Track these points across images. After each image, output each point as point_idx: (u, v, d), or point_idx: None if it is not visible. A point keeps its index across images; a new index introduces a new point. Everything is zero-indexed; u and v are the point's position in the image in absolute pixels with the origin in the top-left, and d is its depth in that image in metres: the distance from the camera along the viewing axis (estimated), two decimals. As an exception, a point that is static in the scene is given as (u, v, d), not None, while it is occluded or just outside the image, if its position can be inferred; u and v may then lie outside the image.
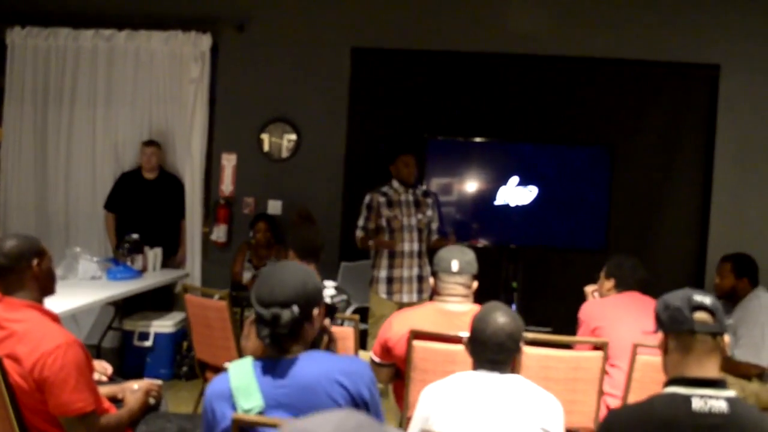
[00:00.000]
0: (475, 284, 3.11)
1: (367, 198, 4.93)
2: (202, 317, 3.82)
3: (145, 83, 5.81)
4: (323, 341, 2.14)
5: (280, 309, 1.91)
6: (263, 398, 1.88)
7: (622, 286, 3.52)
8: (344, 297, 3.42)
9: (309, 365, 1.94)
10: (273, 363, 1.94)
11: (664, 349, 1.90)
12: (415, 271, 4.88)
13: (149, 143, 5.62)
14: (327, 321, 2.17)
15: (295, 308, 1.92)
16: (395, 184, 4.94)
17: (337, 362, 1.98)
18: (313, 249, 3.49)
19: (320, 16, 5.75)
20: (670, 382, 1.88)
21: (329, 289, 3.41)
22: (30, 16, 5.88)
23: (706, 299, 1.87)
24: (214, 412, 1.92)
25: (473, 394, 2.12)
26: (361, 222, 4.93)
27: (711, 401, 1.80)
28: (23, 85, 5.90)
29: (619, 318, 3.34)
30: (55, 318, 2.41)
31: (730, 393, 1.83)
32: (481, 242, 5.34)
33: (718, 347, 1.85)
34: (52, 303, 2.56)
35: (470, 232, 5.33)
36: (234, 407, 1.88)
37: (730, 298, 4.05)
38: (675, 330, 1.87)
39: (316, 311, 2.01)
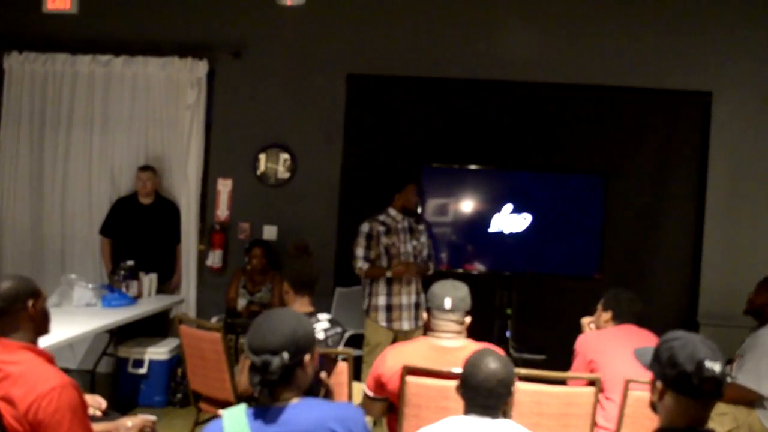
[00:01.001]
0: (468, 319, 3.12)
1: (366, 227, 4.88)
2: (197, 348, 3.82)
3: (141, 108, 5.85)
4: (321, 393, 2.15)
5: (271, 356, 1.93)
6: None
7: (619, 319, 3.54)
8: (338, 330, 3.42)
9: (302, 412, 1.95)
10: (266, 410, 1.95)
11: (660, 396, 1.89)
12: (413, 298, 4.88)
13: (145, 168, 5.64)
14: (324, 374, 2.18)
15: (285, 355, 1.94)
16: (392, 212, 4.94)
17: (330, 409, 2.00)
18: (308, 282, 3.50)
19: (316, 43, 5.79)
20: (661, 430, 1.89)
21: (323, 323, 3.42)
22: (28, 41, 5.93)
23: (716, 366, 1.81)
24: None
25: None
26: (361, 252, 4.85)
27: (701, 452, 1.81)
28: (20, 110, 5.93)
29: (615, 351, 3.35)
30: (50, 359, 2.42)
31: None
32: (476, 269, 5.36)
33: (712, 407, 1.86)
34: (53, 333, 2.55)
35: (465, 258, 5.35)
36: None
37: (758, 316, 4.09)
38: (679, 391, 1.84)
39: (308, 357, 2.02)
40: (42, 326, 2.48)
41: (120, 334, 5.30)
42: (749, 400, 3.88)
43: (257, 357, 1.94)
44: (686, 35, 5.59)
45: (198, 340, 3.83)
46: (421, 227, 5.03)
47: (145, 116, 5.85)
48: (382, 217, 4.93)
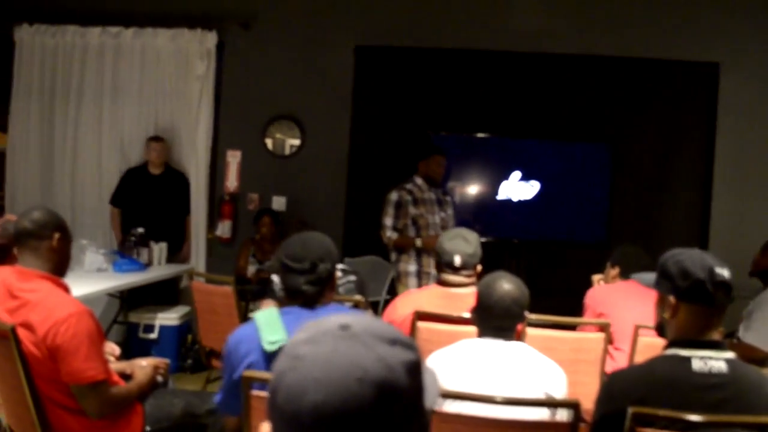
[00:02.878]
0: (479, 268, 3.14)
1: (395, 196, 4.77)
2: (208, 303, 3.86)
3: (151, 80, 5.87)
4: None
5: (317, 262, 2.01)
6: (287, 334, 1.95)
7: (627, 274, 3.57)
8: (351, 278, 3.45)
9: (334, 312, 2.01)
10: (298, 310, 2.03)
11: (673, 311, 1.91)
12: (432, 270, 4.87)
13: (155, 139, 5.67)
14: None
15: (329, 264, 2.02)
16: (419, 181, 4.85)
17: (358, 313, 2.06)
18: None
19: (325, 15, 5.82)
20: (671, 344, 1.91)
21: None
22: (38, 13, 5.96)
23: (725, 272, 1.85)
24: (239, 350, 1.99)
25: (478, 360, 2.16)
26: (389, 221, 4.76)
27: (711, 362, 1.84)
28: (31, 82, 5.95)
29: (623, 303, 3.39)
30: (66, 289, 2.46)
31: (730, 354, 1.86)
32: (484, 236, 5.37)
33: (723, 315, 1.88)
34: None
35: (473, 226, 5.36)
36: (259, 346, 1.95)
37: (763, 277, 4.09)
38: (692, 301, 1.87)
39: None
40: (61, 263, 2.52)
41: (130, 302, 5.34)
42: (758, 358, 3.89)
43: (299, 263, 1.99)
44: (695, 6, 5.60)
45: (210, 295, 3.87)
46: (449, 199, 4.99)
47: (154, 88, 5.87)
48: (409, 186, 4.83)
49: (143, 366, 2.74)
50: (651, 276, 2.02)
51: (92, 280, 4.51)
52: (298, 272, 2.03)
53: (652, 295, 3.41)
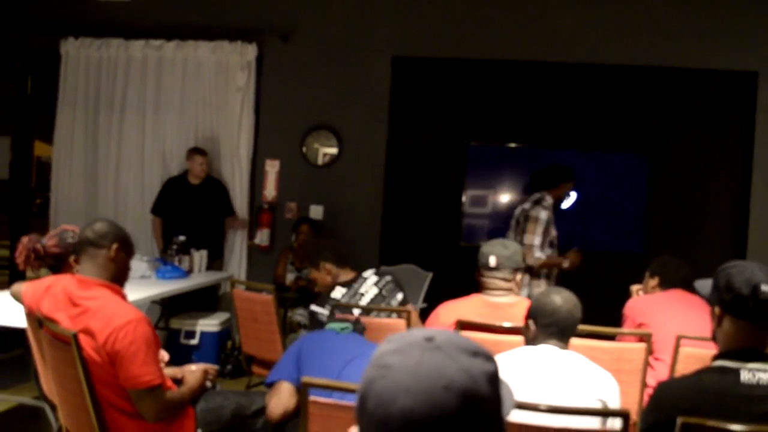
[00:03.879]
0: (519, 277, 3.18)
1: (545, 215, 4.61)
2: (249, 311, 3.94)
3: (192, 91, 6.02)
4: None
5: None
6: None
7: (666, 284, 3.58)
8: (388, 278, 3.56)
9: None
10: None
11: (719, 322, 1.94)
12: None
13: (199, 152, 5.75)
14: None
15: None
16: (549, 200, 4.71)
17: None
18: (346, 254, 3.63)
19: (362, 27, 5.91)
20: (720, 355, 1.94)
21: (371, 278, 3.51)
22: (83, 27, 6.14)
23: None
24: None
25: (537, 367, 2.22)
26: (537, 241, 4.55)
27: (759, 374, 1.85)
28: (76, 94, 6.14)
29: (663, 314, 3.39)
30: (124, 296, 2.55)
31: (779, 366, 1.88)
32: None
33: None
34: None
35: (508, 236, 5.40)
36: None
37: None
38: (736, 315, 1.90)
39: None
40: (120, 273, 2.60)
41: (171, 308, 5.45)
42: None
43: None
44: (732, 16, 5.59)
45: (250, 303, 3.95)
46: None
47: (195, 99, 6.01)
48: (546, 204, 4.69)
49: (194, 371, 2.82)
50: (709, 285, 2.05)
51: (137, 286, 4.61)
52: None
53: (692, 305, 3.43)
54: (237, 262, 5.92)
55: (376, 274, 3.55)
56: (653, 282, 3.64)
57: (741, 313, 1.88)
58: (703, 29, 5.60)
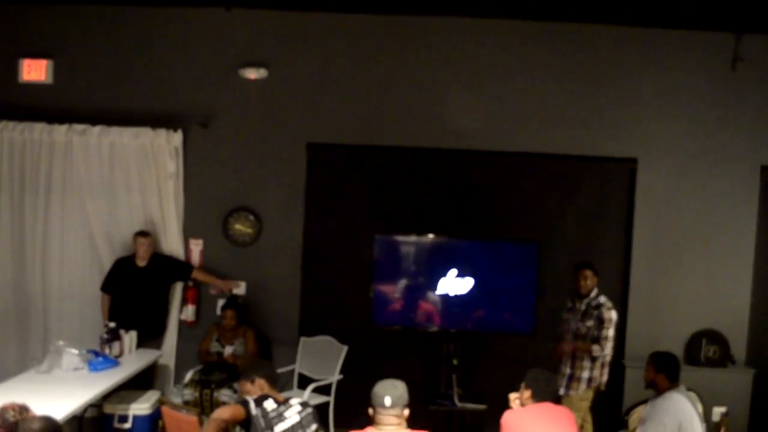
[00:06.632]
0: (406, 412, 3.68)
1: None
2: (176, 427, 4.37)
3: (119, 175, 6.27)
4: None
5: None
6: None
7: (537, 397, 4.12)
8: (309, 410, 4.02)
9: None
10: None
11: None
12: (568, 370, 5.46)
13: (142, 233, 6.08)
14: None
15: None
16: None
17: None
18: (277, 377, 4.12)
19: (278, 114, 6.28)
20: None
21: (296, 407, 3.95)
22: (6, 110, 6.28)
23: None
24: None
25: None
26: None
27: None
28: (0, 175, 6.30)
29: (533, 427, 3.95)
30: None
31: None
32: (426, 326, 5.96)
33: None
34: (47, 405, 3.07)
35: (415, 318, 5.95)
36: None
37: (654, 387, 4.68)
38: None
39: None
40: None
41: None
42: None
43: None
44: (614, 106, 6.17)
45: (177, 420, 4.37)
46: (595, 313, 5.42)
47: (123, 183, 6.28)
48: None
49: None
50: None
51: (71, 382, 4.91)
52: None
53: (560, 418, 4.01)
54: (172, 337, 6.29)
55: (301, 404, 4.02)
56: (527, 394, 4.16)
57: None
58: (587, 119, 6.16)
